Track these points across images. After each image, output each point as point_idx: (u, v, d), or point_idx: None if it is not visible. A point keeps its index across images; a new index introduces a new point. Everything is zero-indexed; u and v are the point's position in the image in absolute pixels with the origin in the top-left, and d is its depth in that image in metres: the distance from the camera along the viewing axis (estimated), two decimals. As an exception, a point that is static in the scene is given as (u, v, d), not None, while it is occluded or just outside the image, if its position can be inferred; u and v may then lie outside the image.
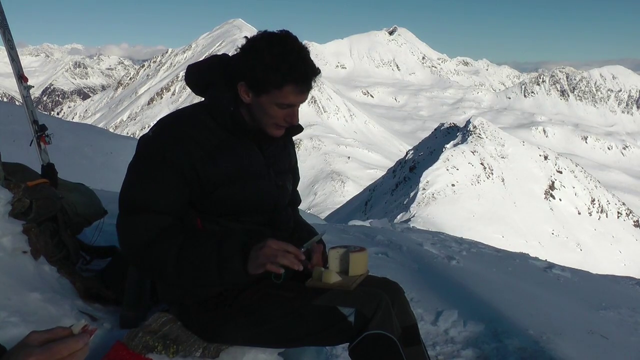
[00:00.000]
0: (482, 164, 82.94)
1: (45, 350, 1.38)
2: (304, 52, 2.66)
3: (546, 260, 9.74)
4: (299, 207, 3.39)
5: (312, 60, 2.70)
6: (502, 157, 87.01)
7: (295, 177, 3.20)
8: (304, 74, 2.64)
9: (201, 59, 2.95)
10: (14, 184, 3.60)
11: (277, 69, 2.59)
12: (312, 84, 2.72)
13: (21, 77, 4.72)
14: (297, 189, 3.32)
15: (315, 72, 2.70)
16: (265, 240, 2.50)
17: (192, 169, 2.61)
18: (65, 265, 3.60)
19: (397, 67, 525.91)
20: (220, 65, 2.84)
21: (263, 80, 2.64)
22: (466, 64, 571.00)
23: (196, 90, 2.87)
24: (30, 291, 3.05)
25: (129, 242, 2.62)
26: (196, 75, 2.88)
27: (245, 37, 2.71)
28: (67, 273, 3.52)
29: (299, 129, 3.02)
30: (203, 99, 2.85)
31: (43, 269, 3.36)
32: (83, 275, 3.67)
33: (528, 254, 10.26)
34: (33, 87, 5.01)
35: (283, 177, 2.98)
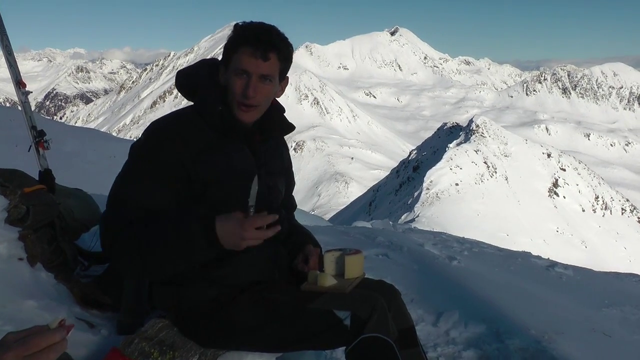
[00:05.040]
0: (485, 162, 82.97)
1: (22, 344, 1.38)
2: (263, 24, 2.74)
3: (548, 258, 9.72)
4: (302, 209, 3.38)
5: (274, 33, 2.74)
6: (506, 156, 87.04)
7: (289, 180, 3.18)
8: (254, 34, 2.67)
9: (191, 64, 2.98)
10: (10, 190, 3.59)
11: (235, 35, 2.71)
12: (269, 54, 2.69)
13: (19, 83, 4.70)
14: (299, 191, 3.31)
15: (273, 40, 2.71)
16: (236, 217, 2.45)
17: (183, 167, 2.62)
18: (63, 272, 3.59)
19: (399, 68, 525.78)
20: (209, 68, 2.88)
21: (226, 50, 2.76)
22: (468, 63, 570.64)
23: (186, 94, 2.89)
24: (26, 298, 3.04)
25: (101, 233, 2.61)
26: (186, 79, 2.90)
27: None
28: (65, 279, 3.51)
29: (290, 127, 3.04)
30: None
31: (39, 276, 3.35)
32: (81, 281, 3.65)
33: (530, 253, 10.23)
34: (31, 92, 5.01)
35: (274, 178, 2.97)
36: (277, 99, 2.95)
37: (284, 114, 3.02)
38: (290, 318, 2.64)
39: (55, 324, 1.47)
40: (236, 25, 2.75)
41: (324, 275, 2.78)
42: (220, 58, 2.88)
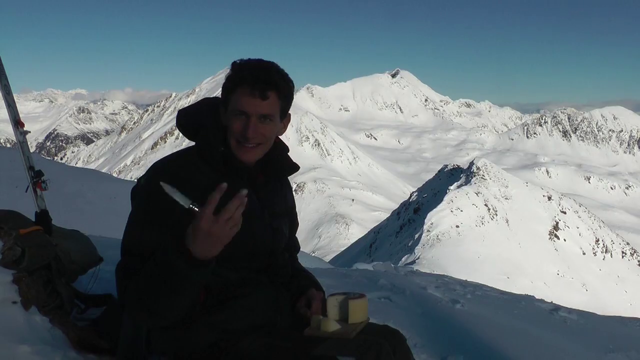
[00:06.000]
0: (486, 205, 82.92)
1: None
2: (261, 61, 2.67)
3: (552, 302, 9.64)
4: (302, 251, 3.31)
5: (273, 70, 2.67)
6: (506, 198, 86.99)
7: (293, 222, 3.11)
8: (252, 73, 2.60)
9: (192, 103, 2.91)
10: (5, 231, 3.53)
11: (232, 74, 2.64)
12: (268, 92, 2.62)
13: (17, 123, 4.66)
14: (299, 232, 3.23)
15: (272, 78, 2.63)
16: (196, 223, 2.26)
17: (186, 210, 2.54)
18: (59, 315, 3.51)
19: (400, 110, 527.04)
20: (210, 108, 2.81)
21: (224, 90, 2.68)
22: (468, 105, 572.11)
23: (187, 134, 2.82)
24: (19, 343, 2.96)
25: (117, 284, 2.55)
26: (187, 119, 2.83)
27: None
28: (60, 323, 3.43)
29: (294, 167, 2.96)
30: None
31: (34, 320, 3.28)
32: (77, 324, 3.58)
33: (533, 296, 10.14)
34: (29, 132, 4.96)
35: (278, 220, 2.89)
36: (280, 137, 2.89)
37: (288, 154, 2.96)
38: (294, 365, 2.55)
39: None
40: (234, 64, 2.68)
41: (328, 320, 2.70)
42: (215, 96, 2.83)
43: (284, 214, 3.00)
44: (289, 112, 2.85)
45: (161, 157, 2.80)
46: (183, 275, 2.33)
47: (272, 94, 2.64)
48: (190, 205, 2.27)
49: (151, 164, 2.73)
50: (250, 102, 2.61)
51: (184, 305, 2.47)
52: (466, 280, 11.22)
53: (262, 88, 2.60)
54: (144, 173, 2.73)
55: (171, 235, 2.42)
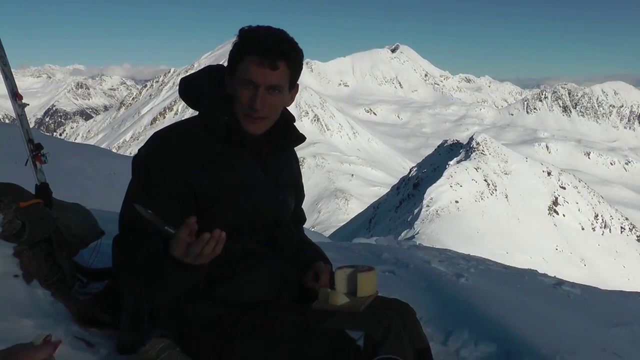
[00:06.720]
0: (485, 180, 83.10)
1: None
2: (271, 29, 2.57)
3: (555, 276, 9.60)
4: (303, 227, 3.25)
5: (283, 39, 2.58)
6: (506, 174, 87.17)
7: (299, 193, 3.04)
8: (261, 41, 2.50)
9: (195, 71, 2.83)
10: (4, 204, 3.47)
11: (241, 42, 2.55)
12: (278, 62, 2.53)
13: (15, 95, 4.58)
14: (302, 206, 3.17)
15: (282, 47, 2.55)
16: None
17: (186, 183, 2.48)
18: (61, 289, 3.46)
19: (400, 85, 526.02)
20: (213, 76, 2.72)
21: (231, 58, 2.59)
22: (468, 80, 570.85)
23: (190, 103, 2.74)
24: (21, 317, 2.91)
25: (113, 258, 2.53)
26: (190, 87, 2.74)
27: None
28: (62, 297, 3.38)
29: (300, 138, 2.88)
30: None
31: (36, 293, 3.22)
32: (79, 298, 3.53)
33: (537, 271, 10.10)
34: (28, 105, 4.88)
35: (284, 191, 2.83)
36: (287, 108, 2.81)
37: (294, 124, 2.88)
38: (300, 339, 2.49)
39: (39, 340, 1.40)
40: (241, 31, 2.58)
41: (336, 294, 2.64)
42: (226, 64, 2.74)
43: (290, 185, 2.93)
44: (297, 82, 2.77)
45: (163, 127, 2.73)
46: (174, 275, 2.32)
47: (282, 64, 2.55)
48: (166, 228, 2.24)
49: (153, 134, 2.66)
50: (259, 71, 2.52)
51: (177, 294, 2.45)
52: (469, 254, 11.19)
53: (272, 58, 2.51)
54: (145, 142, 2.66)
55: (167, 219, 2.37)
